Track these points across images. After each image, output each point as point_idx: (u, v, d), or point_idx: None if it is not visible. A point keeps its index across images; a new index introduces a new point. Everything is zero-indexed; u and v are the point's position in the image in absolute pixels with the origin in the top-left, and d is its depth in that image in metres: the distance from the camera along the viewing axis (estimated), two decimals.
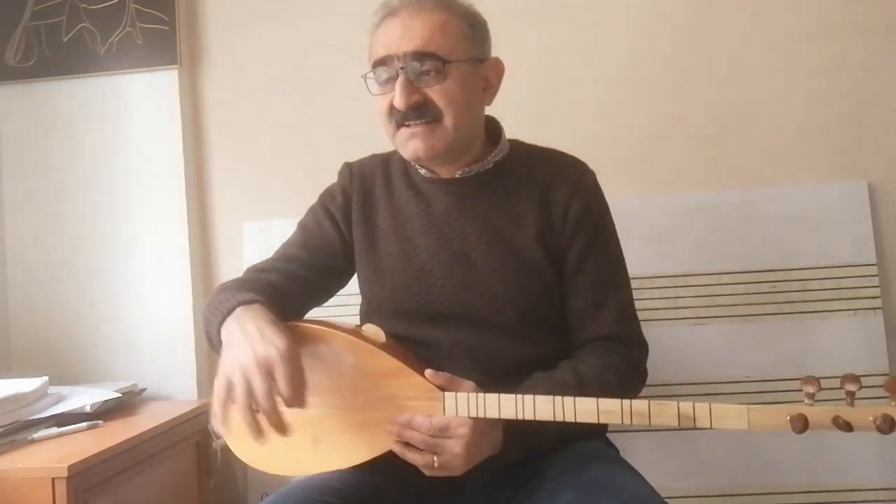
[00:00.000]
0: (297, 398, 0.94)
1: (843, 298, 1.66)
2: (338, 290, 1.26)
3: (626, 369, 1.13)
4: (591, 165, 1.22)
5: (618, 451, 1.17)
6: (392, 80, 1.10)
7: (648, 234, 1.71)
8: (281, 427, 0.94)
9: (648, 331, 1.19)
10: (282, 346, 0.95)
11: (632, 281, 1.20)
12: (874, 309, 1.65)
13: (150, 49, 1.85)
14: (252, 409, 0.93)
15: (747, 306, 1.68)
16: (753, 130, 1.74)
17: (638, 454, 1.17)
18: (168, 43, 1.85)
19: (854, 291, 1.66)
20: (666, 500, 0.98)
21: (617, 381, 1.10)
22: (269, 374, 0.93)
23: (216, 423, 0.95)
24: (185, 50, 1.89)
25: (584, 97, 1.79)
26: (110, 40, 1.86)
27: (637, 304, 1.21)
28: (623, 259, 1.21)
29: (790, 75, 1.73)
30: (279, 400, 0.94)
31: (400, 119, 1.11)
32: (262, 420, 0.93)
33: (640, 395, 1.16)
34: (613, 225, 1.21)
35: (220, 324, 1.03)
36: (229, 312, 1.02)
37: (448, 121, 1.11)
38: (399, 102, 1.09)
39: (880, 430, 0.84)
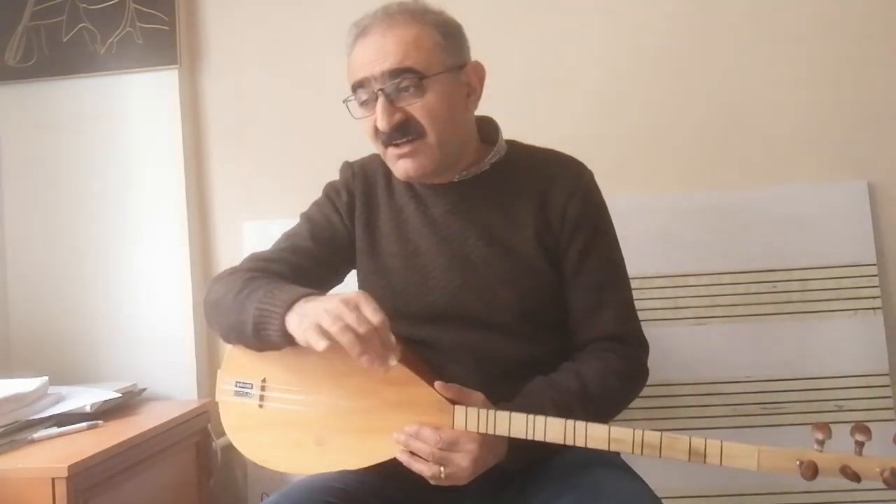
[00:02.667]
0: (385, 333, 0.93)
1: (843, 298, 1.65)
2: (333, 288, 1.25)
3: (627, 370, 1.12)
4: (591, 165, 1.22)
5: (619, 454, 1.16)
6: (372, 101, 1.10)
7: (648, 234, 1.70)
8: (388, 342, 0.93)
9: (648, 331, 1.19)
10: (365, 293, 0.95)
11: (632, 281, 1.20)
12: (874, 309, 1.65)
13: (150, 49, 1.85)
14: (350, 331, 0.91)
15: (747, 306, 1.67)
16: (753, 130, 1.74)
17: None
18: (168, 43, 1.85)
19: (854, 291, 1.65)
20: (666, 501, 0.98)
21: (619, 384, 1.10)
22: (356, 308, 0.92)
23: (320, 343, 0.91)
24: (185, 50, 1.89)
25: (584, 97, 1.78)
26: (110, 40, 1.86)
27: (637, 304, 1.21)
28: (622, 259, 1.20)
29: (790, 75, 1.73)
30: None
31: (385, 140, 1.11)
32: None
33: (640, 395, 1.16)
34: (612, 225, 1.21)
35: (284, 316, 0.98)
36: (291, 305, 0.98)
37: (432, 137, 1.10)
38: (381, 124, 1.09)
39: (887, 483, 0.82)
